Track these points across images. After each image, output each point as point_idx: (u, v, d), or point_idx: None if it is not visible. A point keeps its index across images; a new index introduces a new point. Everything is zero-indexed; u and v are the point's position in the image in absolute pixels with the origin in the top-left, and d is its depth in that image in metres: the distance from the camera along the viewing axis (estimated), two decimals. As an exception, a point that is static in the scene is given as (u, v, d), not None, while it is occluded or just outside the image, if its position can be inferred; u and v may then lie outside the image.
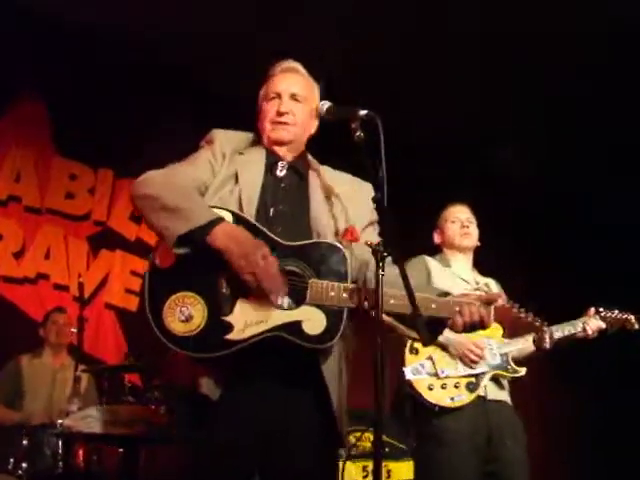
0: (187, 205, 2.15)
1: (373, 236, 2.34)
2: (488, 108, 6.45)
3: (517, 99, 6.43)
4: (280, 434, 2.17)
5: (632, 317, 3.76)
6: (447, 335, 3.39)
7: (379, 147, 2.13)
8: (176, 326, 2.09)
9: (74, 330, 4.73)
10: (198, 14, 5.65)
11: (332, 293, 2.15)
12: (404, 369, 3.47)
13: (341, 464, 4.40)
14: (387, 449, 4.16)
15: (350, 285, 2.18)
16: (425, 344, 2.10)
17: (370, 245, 2.12)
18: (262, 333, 2.11)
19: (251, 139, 2.49)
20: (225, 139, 2.42)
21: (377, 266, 2.08)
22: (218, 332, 2.09)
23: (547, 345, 2.65)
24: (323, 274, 2.18)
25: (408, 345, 3.47)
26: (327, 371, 2.20)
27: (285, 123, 2.41)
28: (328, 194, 2.39)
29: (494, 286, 3.77)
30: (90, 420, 3.74)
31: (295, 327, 2.13)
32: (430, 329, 2.26)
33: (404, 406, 3.55)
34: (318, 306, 2.15)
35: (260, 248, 2.09)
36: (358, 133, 2.19)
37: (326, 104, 2.37)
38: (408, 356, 3.48)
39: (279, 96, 2.44)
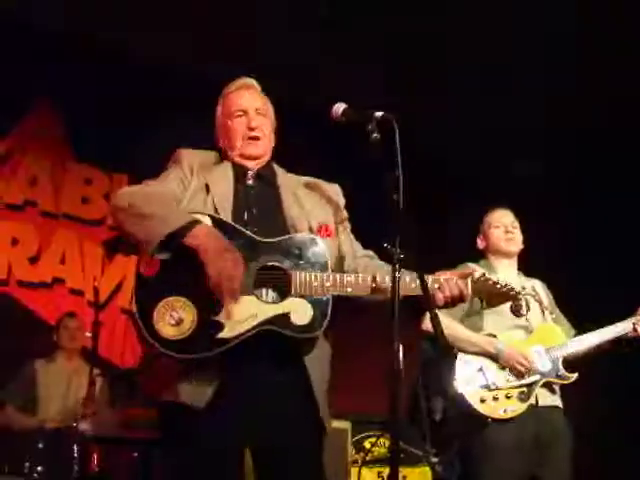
0: (165, 211, 2.22)
1: (345, 234, 2.51)
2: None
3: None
4: (269, 418, 2.21)
5: None
6: (497, 346, 3.44)
7: (395, 148, 2.13)
8: (168, 330, 2.13)
9: (89, 334, 4.74)
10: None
11: (315, 283, 2.22)
12: (454, 381, 3.44)
13: (357, 470, 4.41)
14: (402, 455, 4.15)
15: (331, 274, 2.25)
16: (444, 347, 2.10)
17: (386, 248, 2.13)
18: (252, 328, 2.16)
19: (216, 156, 2.56)
20: (192, 156, 2.50)
21: (393, 269, 2.09)
22: (209, 332, 2.14)
23: (524, 312, 2.71)
24: (304, 266, 2.25)
25: (459, 357, 3.47)
26: (311, 360, 2.26)
27: (257, 138, 2.49)
28: (296, 195, 2.47)
29: (540, 287, 3.75)
30: (105, 424, 3.75)
31: (284, 319, 2.20)
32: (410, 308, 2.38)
33: (419, 412, 3.53)
34: (303, 297, 2.22)
35: (234, 250, 2.16)
36: (374, 135, 2.21)
37: (342, 106, 2.36)
38: (459, 368, 3.46)
39: (245, 112, 2.51)
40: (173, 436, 2.25)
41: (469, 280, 2.34)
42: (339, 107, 2.36)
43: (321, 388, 2.29)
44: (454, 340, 3.43)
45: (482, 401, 3.39)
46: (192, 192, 2.38)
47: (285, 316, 2.19)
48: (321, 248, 2.29)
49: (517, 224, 3.80)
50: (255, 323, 2.16)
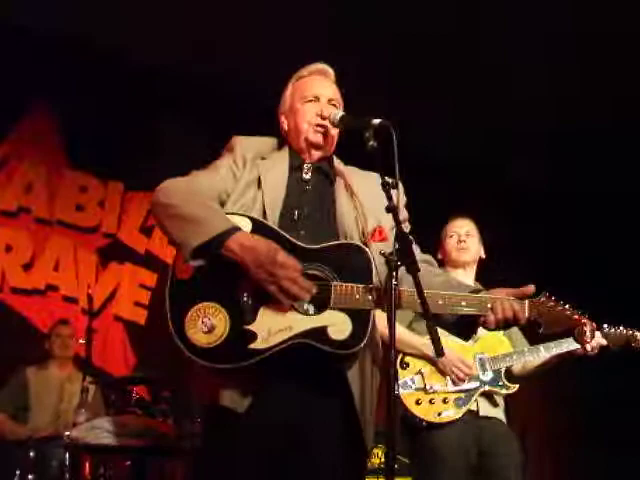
0: (203, 214, 2.13)
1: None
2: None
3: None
4: (305, 441, 2.13)
5: (638, 334, 3.59)
6: None
7: (393, 156, 2.11)
8: (199, 337, 2.06)
9: (82, 342, 4.71)
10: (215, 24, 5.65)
11: (357, 296, 2.10)
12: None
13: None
14: (397, 466, 4.13)
15: (376, 286, 2.13)
16: (438, 355, 2.04)
17: (383, 254, 2.09)
18: (287, 340, 2.07)
19: (273, 143, 2.47)
20: (246, 144, 2.40)
21: (390, 276, 2.03)
22: (242, 341, 2.06)
23: (588, 340, 2.44)
24: (346, 276, 2.12)
25: (399, 359, 3.42)
26: (353, 377, 2.16)
27: (325, 127, 2.37)
28: (354, 195, 2.34)
29: None
30: (97, 431, 3.72)
31: (321, 333, 2.08)
32: (463, 329, 2.26)
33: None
34: (343, 310, 2.10)
35: (275, 255, 2.06)
36: (371, 142, 2.15)
37: (339, 113, 2.34)
38: (399, 370, 3.43)
39: (317, 99, 2.41)
40: (213, 438, 2.19)
41: (527, 302, 2.18)
42: (337, 114, 2.34)
43: (364, 407, 2.16)
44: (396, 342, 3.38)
45: (417, 403, 3.37)
46: (243, 186, 2.28)
47: (322, 330, 2.08)
48: (366, 258, 2.15)
49: (474, 232, 3.72)
50: (289, 336, 2.07)
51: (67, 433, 3.99)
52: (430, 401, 3.38)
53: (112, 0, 5.44)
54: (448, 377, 3.41)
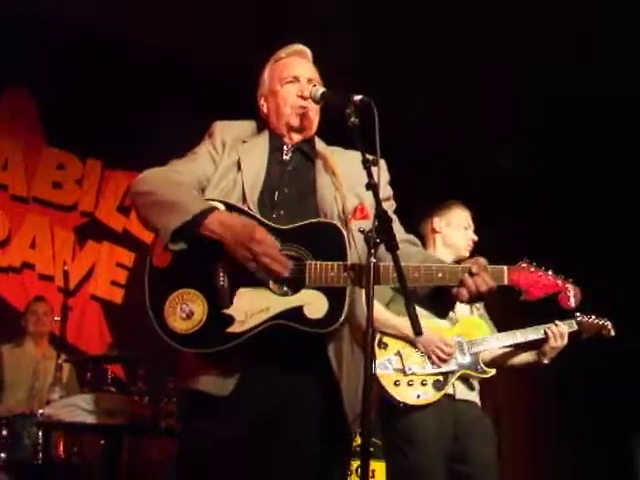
0: (182, 199, 2.13)
1: (389, 212, 2.21)
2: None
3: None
4: (288, 422, 2.13)
5: (609, 323, 3.67)
6: None
7: (374, 132, 2.10)
8: (178, 324, 2.07)
9: (57, 319, 4.68)
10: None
11: (331, 273, 2.08)
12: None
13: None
14: (372, 449, 4.13)
15: (351, 264, 2.10)
16: (416, 334, 2.02)
17: (363, 232, 2.07)
18: (263, 323, 2.07)
19: (253, 126, 2.45)
20: (226, 129, 2.39)
21: (369, 253, 2.02)
22: (220, 326, 2.06)
23: (572, 305, 2.40)
24: (321, 255, 2.11)
25: (377, 339, 3.40)
26: (333, 355, 2.15)
27: (306, 108, 2.36)
28: (335, 175, 2.33)
29: None
30: (72, 409, 3.69)
31: (297, 313, 2.07)
32: (437, 304, 2.23)
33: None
34: (319, 289, 2.09)
35: (253, 232, 2.05)
36: (352, 119, 2.13)
37: (320, 89, 2.31)
38: (377, 350, 3.39)
39: (297, 79, 2.39)
40: (192, 423, 2.19)
41: (505, 269, 2.13)
42: (317, 90, 2.31)
43: (347, 385, 2.16)
44: (375, 321, 3.37)
45: (396, 385, 3.36)
46: (223, 170, 2.28)
47: (298, 309, 2.07)
48: (341, 236, 2.13)
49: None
50: (266, 317, 2.06)
51: (41, 411, 3.97)
52: (408, 383, 3.36)
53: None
54: (427, 359, 3.40)
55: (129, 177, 6.12)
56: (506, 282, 2.14)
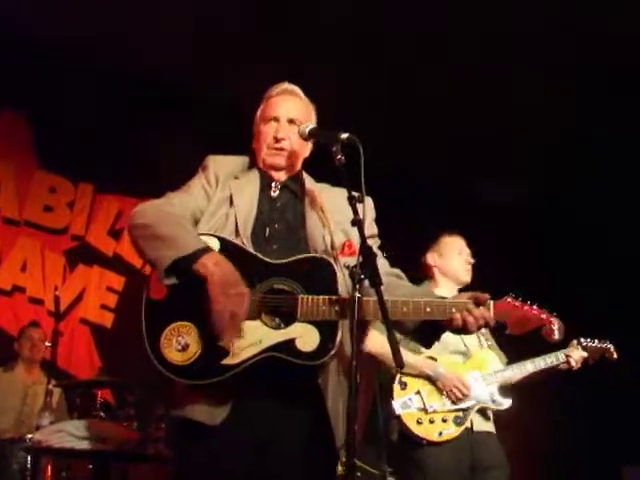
0: (177, 233, 2.18)
1: (374, 248, 2.27)
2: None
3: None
4: (276, 450, 2.17)
5: (611, 346, 3.78)
6: (437, 370, 3.47)
7: (359, 170, 2.15)
8: (174, 356, 2.12)
9: (48, 344, 4.69)
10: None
11: (323, 307, 2.14)
12: (393, 403, 3.48)
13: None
14: (359, 474, 4.14)
15: (342, 298, 2.15)
16: (398, 366, 2.06)
17: (347, 267, 2.13)
18: (257, 354, 2.12)
19: (246, 163, 2.52)
20: (219, 164, 2.45)
21: (353, 288, 2.07)
22: (214, 358, 2.11)
23: (556, 337, 2.46)
24: (313, 289, 2.16)
25: (397, 379, 3.50)
26: (326, 386, 2.19)
27: (281, 149, 2.43)
28: (323, 211, 2.39)
29: None
30: (61, 434, 3.70)
31: (289, 345, 2.12)
32: (424, 336, 2.29)
33: (377, 431, 3.54)
34: (311, 322, 2.14)
35: (240, 284, 2.10)
36: (339, 156, 2.19)
37: (309, 126, 2.37)
38: (397, 390, 3.51)
39: (277, 120, 2.45)
40: (183, 450, 2.23)
41: (492, 304, 2.19)
42: (306, 127, 2.36)
43: (339, 418, 2.18)
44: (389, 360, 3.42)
45: (419, 423, 3.45)
46: (215, 205, 2.34)
47: (290, 342, 2.12)
48: (332, 271, 2.19)
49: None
50: (259, 350, 2.11)
51: (30, 436, 3.96)
52: (430, 420, 3.46)
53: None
54: (446, 396, 3.49)
55: (120, 201, 6.17)
56: (492, 316, 2.18)
